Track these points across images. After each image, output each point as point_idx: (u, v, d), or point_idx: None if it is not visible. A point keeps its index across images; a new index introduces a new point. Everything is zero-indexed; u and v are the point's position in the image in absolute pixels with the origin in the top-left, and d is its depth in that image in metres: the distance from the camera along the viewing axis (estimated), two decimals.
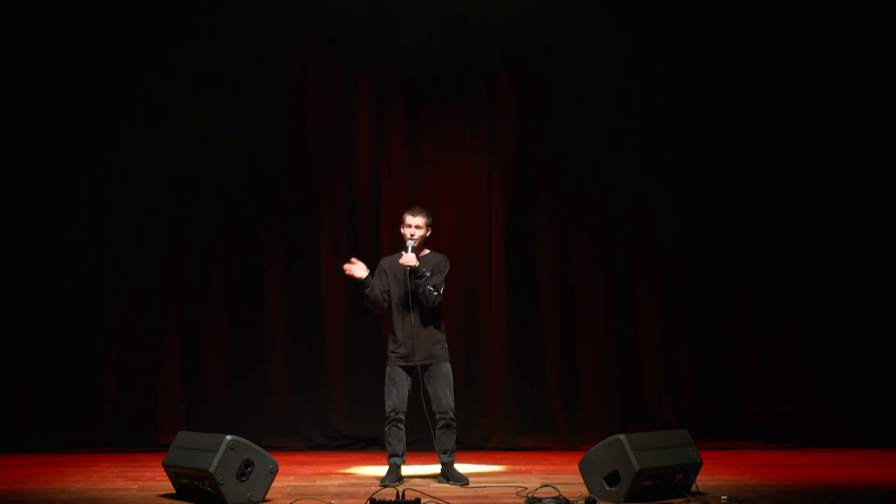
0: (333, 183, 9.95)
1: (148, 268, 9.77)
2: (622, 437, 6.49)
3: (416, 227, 7.34)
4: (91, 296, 9.72)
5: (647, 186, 10.07)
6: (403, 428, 7.34)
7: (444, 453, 7.37)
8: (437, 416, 7.33)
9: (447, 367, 7.38)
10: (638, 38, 10.05)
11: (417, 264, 7.25)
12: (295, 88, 9.95)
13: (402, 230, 7.39)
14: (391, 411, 7.32)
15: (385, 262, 7.52)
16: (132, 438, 9.55)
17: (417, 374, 7.37)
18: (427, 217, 7.41)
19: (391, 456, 7.35)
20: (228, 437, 6.36)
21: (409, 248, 7.28)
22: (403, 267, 7.29)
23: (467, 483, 7.33)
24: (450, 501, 6.47)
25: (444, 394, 7.31)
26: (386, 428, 7.36)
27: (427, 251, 7.50)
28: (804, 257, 10.01)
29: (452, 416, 7.32)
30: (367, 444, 9.77)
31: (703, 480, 7.03)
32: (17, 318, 9.60)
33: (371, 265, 9.84)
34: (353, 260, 7.36)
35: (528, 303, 10.00)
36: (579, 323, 9.99)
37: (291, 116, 9.95)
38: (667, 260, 10.08)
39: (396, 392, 7.34)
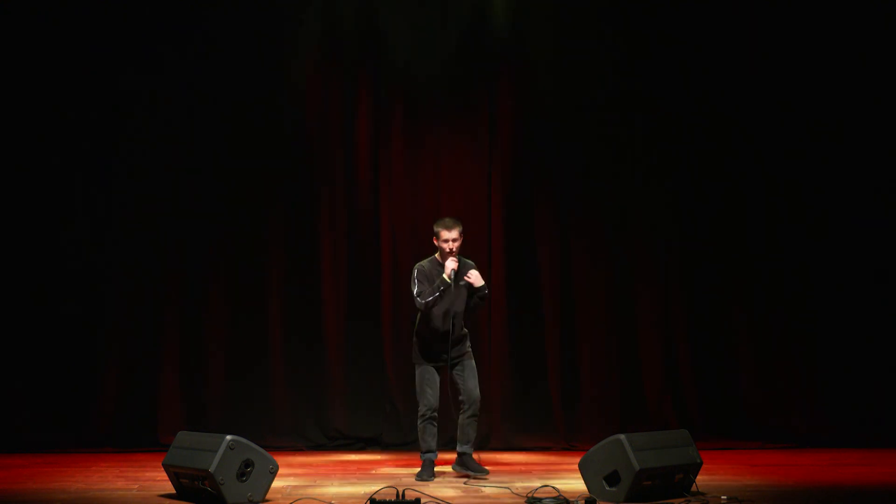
0: (333, 183, 9.95)
1: (148, 268, 9.77)
2: (622, 437, 6.49)
3: (454, 239, 7.53)
4: (91, 296, 9.71)
5: (646, 186, 10.06)
6: (437, 425, 7.58)
7: (467, 443, 7.60)
8: (466, 405, 7.58)
9: (473, 362, 7.68)
10: (637, 42, 10.04)
11: (481, 283, 7.57)
12: (295, 89, 9.95)
13: (438, 244, 7.57)
14: (428, 409, 7.54)
15: (424, 268, 7.63)
16: (132, 438, 9.55)
17: (445, 370, 7.64)
18: (460, 225, 7.61)
19: (427, 452, 7.56)
20: (228, 437, 6.37)
21: (451, 270, 7.46)
22: (440, 273, 7.49)
23: (487, 473, 7.61)
24: (450, 502, 6.47)
25: (473, 386, 7.58)
26: (421, 425, 7.56)
27: (458, 257, 7.65)
28: (804, 257, 10.00)
29: (479, 407, 7.62)
30: (367, 444, 9.77)
31: (703, 480, 7.04)
32: (18, 318, 9.60)
33: (370, 264, 9.94)
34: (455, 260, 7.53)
35: (528, 303, 10.00)
36: (579, 323, 9.99)
37: (291, 117, 9.95)
38: (666, 260, 10.08)
39: (431, 391, 7.57)
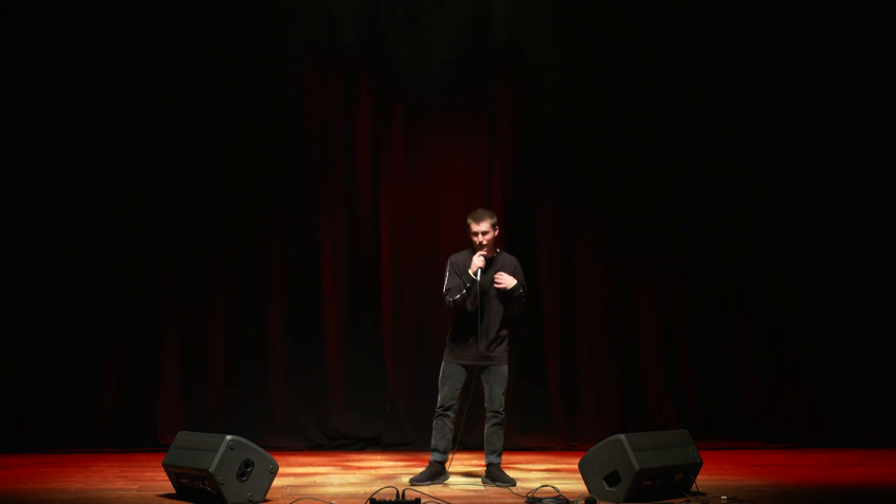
0: (334, 182, 9.96)
1: (148, 268, 9.77)
2: (622, 437, 6.49)
3: (483, 232, 7.27)
4: (91, 296, 9.72)
5: (646, 186, 10.07)
6: (450, 424, 7.33)
7: (493, 453, 7.37)
8: (489, 413, 7.35)
9: (506, 369, 7.41)
10: (639, 43, 10.05)
11: (512, 285, 7.25)
12: (295, 89, 9.96)
13: (471, 237, 7.32)
14: (440, 406, 7.34)
15: (457, 260, 7.40)
16: (132, 438, 9.55)
17: (475, 373, 7.39)
18: (492, 217, 7.34)
19: (433, 451, 7.36)
20: (228, 437, 6.37)
21: (477, 266, 7.20)
22: (472, 281, 7.26)
23: (514, 484, 7.28)
24: (450, 502, 6.47)
25: (498, 393, 7.34)
26: (434, 421, 7.36)
27: (498, 251, 7.47)
28: (804, 257, 10.01)
29: (504, 416, 7.36)
30: (367, 444, 9.77)
31: (703, 480, 7.04)
32: (18, 318, 9.60)
33: (370, 263, 9.94)
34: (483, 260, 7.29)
35: (528, 303, 9.98)
36: (579, 323, 10.00)
37: (292, 116, 9.96)
38: (666, 260, 10.09)
39: (449, 388, 7.33)
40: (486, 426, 7.38)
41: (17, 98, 9.66)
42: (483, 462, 7.54)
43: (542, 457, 9.21)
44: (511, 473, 7.83)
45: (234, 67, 9.84)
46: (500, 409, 7.32)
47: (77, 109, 9.71)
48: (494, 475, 7.36)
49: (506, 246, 9.95)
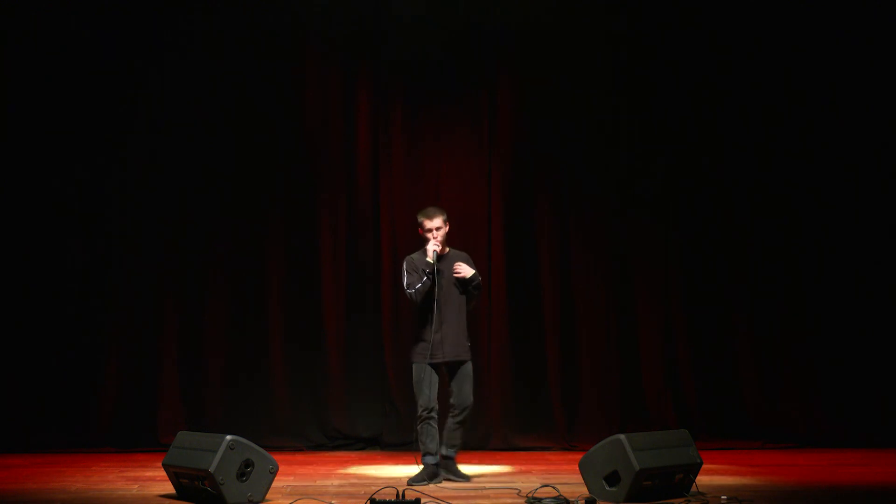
0: (333, 183, 9.95)
1: (148, 268, 9.78)
2: (622, 437, 6.49)
3: (437, 228, 7.39)
4: (91, 296, 9.72)
5: (647, 185, 10.06)
6: (437, 426, 7.38)
7: (453, 448, 7.46)
8: (457, 410, 7.41)
9: (471, 366, 7.48)
10: (640, 39, 10.05)
11: (471, 274, 7.37)
12: (295, 90, 9.95)
13: (423, 234, 7.42)
14: (424, 409, 7.35)
15: (413, 258, 7.47)
16: (132, 438, 9.55)
17: (443, 372, 7.46)
18: (443, 214, 7.46)
19: (426, 455, 7.38)
20: (228, 437, 6.36)
21: (432, 251, 7.30)
22: (429, 266, 7.31)
23: (469, 480, 7.38)
24: (450, 502, 6.47)
25: (468, 390, 7.41)
26: (419, 426, 7.38)
27: (448, 249, 7.53)
28: (804, 257, 10.01)
29: (469, 413, 7.43)
30: (367, 444, 9.77)
31: (703, 480, 7.03)
32: (18, 318, 9.60)
33: (371, 264, 9.94)
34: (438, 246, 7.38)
35: (528, 303, 9.99)
36: (579, 323, 9.99)
37: (291, 117, 9.95)
38: (667, 260, 10.08)
39: (429, 390, 7.36)
40: (449, 420, 7.43)
41: (17, 105, 9.67)
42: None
43: (542, 457, 9.21)
44: (511, 473, 7.86)
45: (234, 67, 9.84)
46: (470, 407, 7.42)
47: (76, 109, 9.70)
48: (450, 468, 7.45)
49: (505, 245, 10.00)
